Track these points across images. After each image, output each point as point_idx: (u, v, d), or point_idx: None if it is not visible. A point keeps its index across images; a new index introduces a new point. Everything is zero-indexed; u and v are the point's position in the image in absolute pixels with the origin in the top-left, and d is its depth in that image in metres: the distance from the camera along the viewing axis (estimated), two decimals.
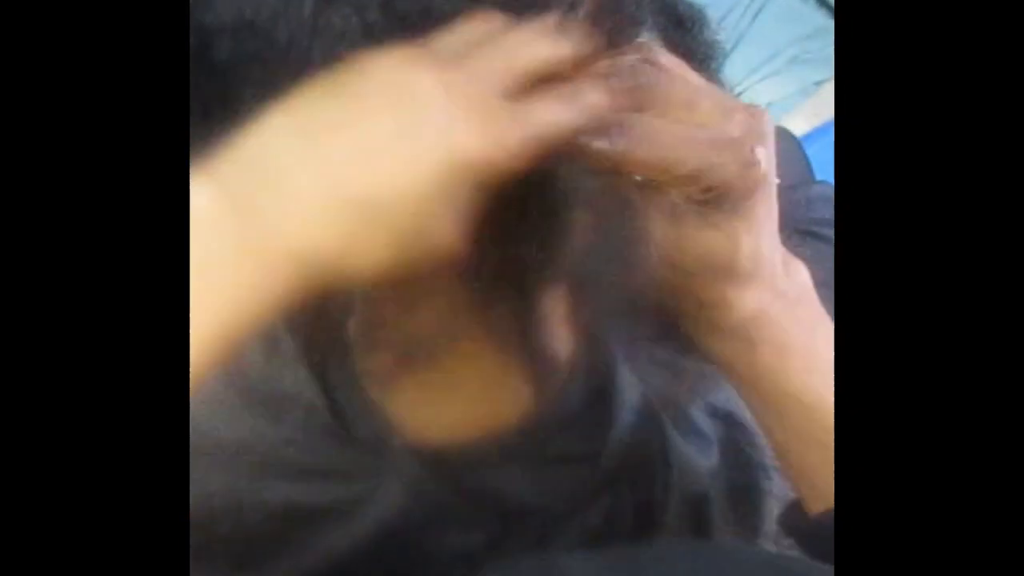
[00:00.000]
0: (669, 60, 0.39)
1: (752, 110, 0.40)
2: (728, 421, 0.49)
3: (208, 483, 0.46)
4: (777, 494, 0.49)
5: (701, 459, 0.47)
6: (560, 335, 0.45)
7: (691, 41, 0.46)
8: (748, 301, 0.41)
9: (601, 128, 0.36)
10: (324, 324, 0.43)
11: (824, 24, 1.44)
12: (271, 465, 0.46)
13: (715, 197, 0.39)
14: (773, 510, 0.49)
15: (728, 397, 0.49)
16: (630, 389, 0.48)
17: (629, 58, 0.38)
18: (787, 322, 0.42)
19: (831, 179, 0.86)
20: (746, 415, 0.48)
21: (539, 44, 0.35)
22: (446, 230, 0.34)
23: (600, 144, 0.36)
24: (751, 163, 0.38)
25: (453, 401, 0.44)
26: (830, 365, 0.41)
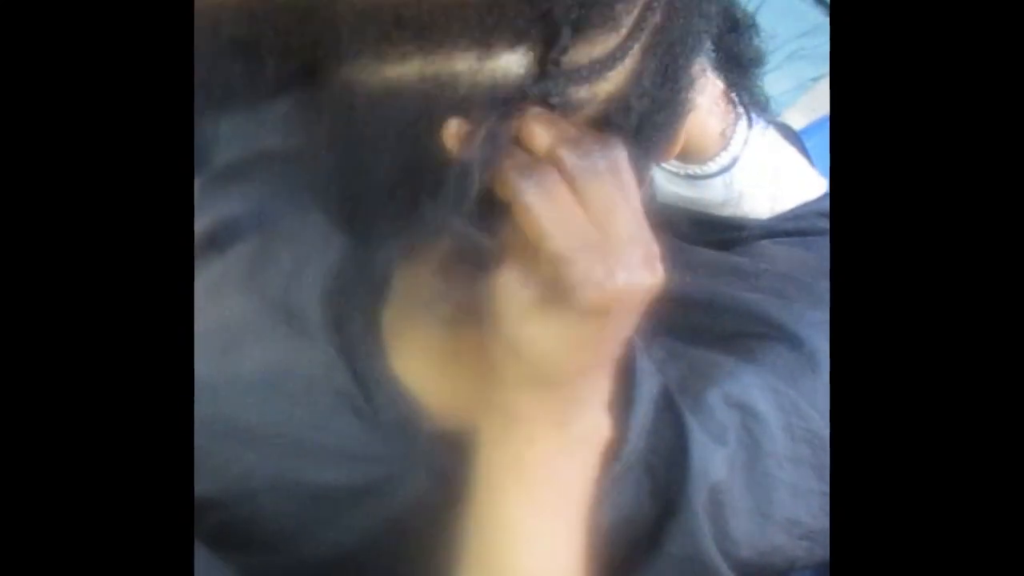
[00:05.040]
0: (625, 168, 0.38)
1: (651, 251, 0.38)
2: (743, 410, 0.49)
3: (238, 466, 0.47)
4: (789, 482, 0.49)
5: (717, 446, 0.48)
6: None
7: (743, 46, 0.47)
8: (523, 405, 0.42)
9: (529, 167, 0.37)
10: (354, 305, 0.44)
11: (821, 21, 1.44)
12: (300, 448, 0.47)
13: (556, 293, 0.38)
14: (785, 498, 0.49)
15: (743, 387, 0.50)
16: (649, 377, 0.48)
17: (596, 144, 0.37)
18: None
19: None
20: (761, 404, 0.49)
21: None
22: None
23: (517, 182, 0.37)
24: (606, 287, 0.37)
25: (482, 382, 0.45)
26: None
